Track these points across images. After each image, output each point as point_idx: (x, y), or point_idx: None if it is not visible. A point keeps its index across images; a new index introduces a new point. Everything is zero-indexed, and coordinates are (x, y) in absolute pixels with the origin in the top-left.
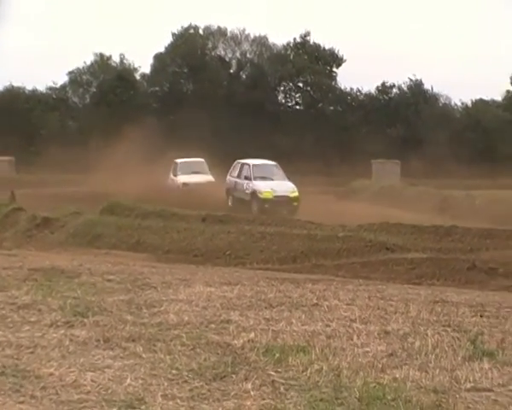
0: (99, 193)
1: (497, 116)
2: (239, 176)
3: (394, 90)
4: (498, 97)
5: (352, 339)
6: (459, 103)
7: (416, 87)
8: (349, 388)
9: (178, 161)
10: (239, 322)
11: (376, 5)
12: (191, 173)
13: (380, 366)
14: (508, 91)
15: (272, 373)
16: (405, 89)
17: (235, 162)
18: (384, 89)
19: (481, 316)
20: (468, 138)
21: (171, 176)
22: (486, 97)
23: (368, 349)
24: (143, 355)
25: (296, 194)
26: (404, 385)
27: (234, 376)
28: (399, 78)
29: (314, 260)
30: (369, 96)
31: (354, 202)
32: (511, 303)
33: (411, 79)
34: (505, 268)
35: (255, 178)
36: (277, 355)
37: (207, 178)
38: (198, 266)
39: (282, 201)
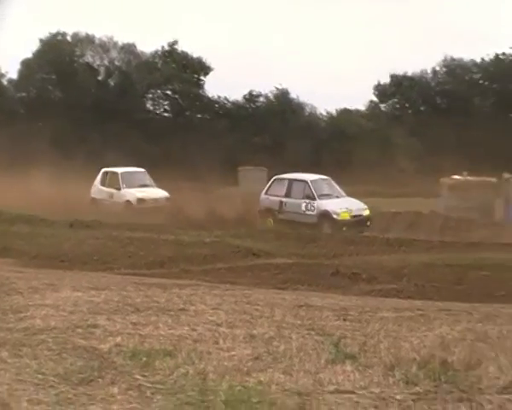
0: None
1: (361, 126)
2: (288, 195)
3: (261, 99)
4: (362, 107)
5: (217, 343)
6: (324, 113)
7: (283, 96)
8: (215, 391)
9: (118, 170)
10: (106, 326)
11: (243, 15)
12: (139, 187)
13: (245, 369)
14: (371, 102)
15: (139, 377)
16: (272, 98)
17: (274, 178)
18: (251, 98)
19: (344, 320)
20: (333, 147)
21: (105, 189)
22: (351, 107)
23: (233, 353)
24: (9, 360)
25: (368, 212)
26: (268, 388)
27: (100, 380)
28: (266, 87)
29: (182, 265)
30: (236, 104)
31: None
32: (373, 307)
33: (278, 89)
34: (367, 273)
35: (320, 197)
36: (144, 359)
37: (163, 193)
38: (65, 271)
39: (358, 221)
